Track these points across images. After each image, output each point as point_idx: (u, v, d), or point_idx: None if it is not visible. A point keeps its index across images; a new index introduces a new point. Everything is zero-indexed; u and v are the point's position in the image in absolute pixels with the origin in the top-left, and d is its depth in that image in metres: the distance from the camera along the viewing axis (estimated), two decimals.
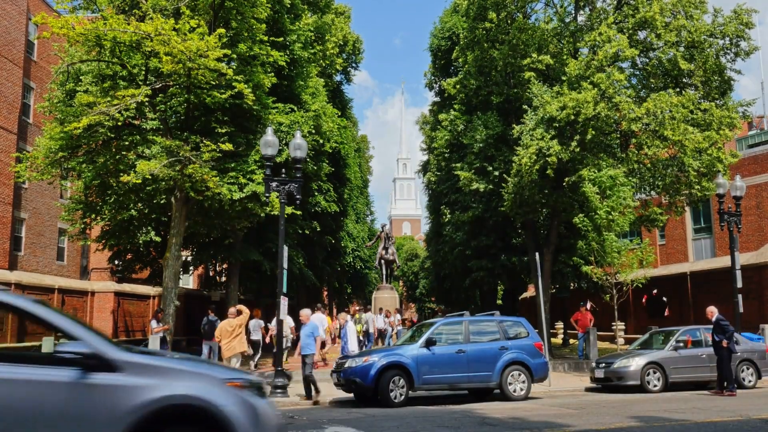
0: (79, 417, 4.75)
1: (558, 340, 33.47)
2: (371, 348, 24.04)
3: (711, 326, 15.57)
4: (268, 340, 21.47)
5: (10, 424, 4.59)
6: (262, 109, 19.76)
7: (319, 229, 30.49)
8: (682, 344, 16.79)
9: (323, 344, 19.25)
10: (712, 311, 15.55)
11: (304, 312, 14.93)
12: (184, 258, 24.31)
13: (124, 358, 5.07)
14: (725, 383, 14.70)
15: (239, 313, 15.66)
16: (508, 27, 25.53)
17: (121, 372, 4.96)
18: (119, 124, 17.40)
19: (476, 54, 27.11)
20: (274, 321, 18.78)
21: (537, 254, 19.77)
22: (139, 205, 19.98)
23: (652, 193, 25.89)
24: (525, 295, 40.84)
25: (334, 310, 45.21)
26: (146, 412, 4.84)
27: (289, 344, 17.74)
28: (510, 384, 14.64)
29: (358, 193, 49.93)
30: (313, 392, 14.21)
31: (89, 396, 4.81)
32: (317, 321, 19.62)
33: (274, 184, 15.21)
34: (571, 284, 29.75)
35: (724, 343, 14.71)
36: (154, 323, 18.91)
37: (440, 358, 14.31)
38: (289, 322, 17.33)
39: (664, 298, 30.70)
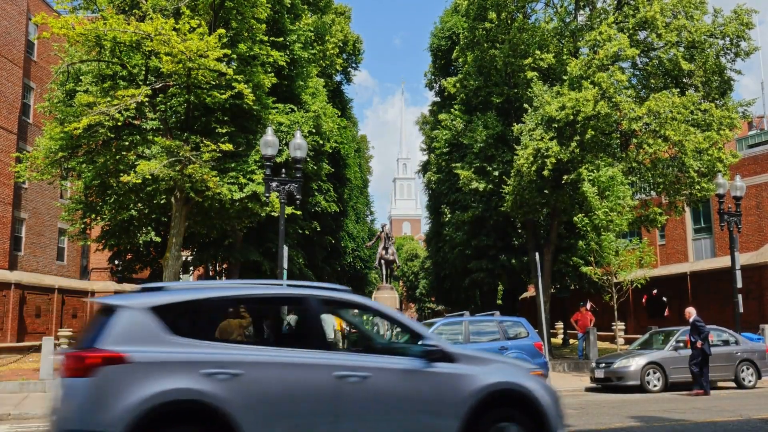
0: (436, 398, 5.63)
1: (558, 340, 33.46)
2: None
3: (711, 326, 15.59)
4: None
5: (394, 403, 5.52)
6: (262, 109, 19.75)
7: (319, 229, 30.48)
8: (682, 344, 16.75)
9: None
10: (690, 312, 15.53)
11: None
12: (184, 258, 24.30)
13: (456, 350, 5.96)
14: (696, 382, 14.76)
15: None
16: (509, 27, 25.56)
17: (457, 362, 5.81)
18: (119, 124, 17.39)
19: (476, 54, 27.12)
20: None
21: (537, 254, 19.79)
22: (139, 205, 19.98)
23: (652, 193, 25.89)
24: (525, 295, 40.84)
25: None
26: (482, 395, 5.70)
27: None
28: None
29: (358, 193, 49.90)
30: None
31: (441, 381, 5.69)
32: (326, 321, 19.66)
33: (274, 184, 15.21)
34: (572, 284, 29.74)
35: (699, 344, 14.72)
36: None
37: None
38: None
39: (664, 298, 30.71)
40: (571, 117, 20.18)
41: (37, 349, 16.97)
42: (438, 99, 38.96)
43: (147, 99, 16.84)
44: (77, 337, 5.91)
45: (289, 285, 6.17)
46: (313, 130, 23.04)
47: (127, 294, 5.70)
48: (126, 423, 4.72)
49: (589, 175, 22.35)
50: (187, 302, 5.50)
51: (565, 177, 21.57)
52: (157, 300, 5.32)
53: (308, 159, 23.08)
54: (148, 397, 4.80)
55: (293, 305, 5.87)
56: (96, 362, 4.88)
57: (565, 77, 22.14)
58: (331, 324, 19.77)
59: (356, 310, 6.40)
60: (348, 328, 20.70)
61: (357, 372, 5.42)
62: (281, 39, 23.35)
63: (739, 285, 19.84)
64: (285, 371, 5.27)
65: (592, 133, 20.41)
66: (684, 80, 24.06)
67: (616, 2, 25.02)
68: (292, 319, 15.71)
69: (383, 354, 6.04)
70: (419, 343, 5.82)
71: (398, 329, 6.25)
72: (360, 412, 5.39)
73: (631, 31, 23.38)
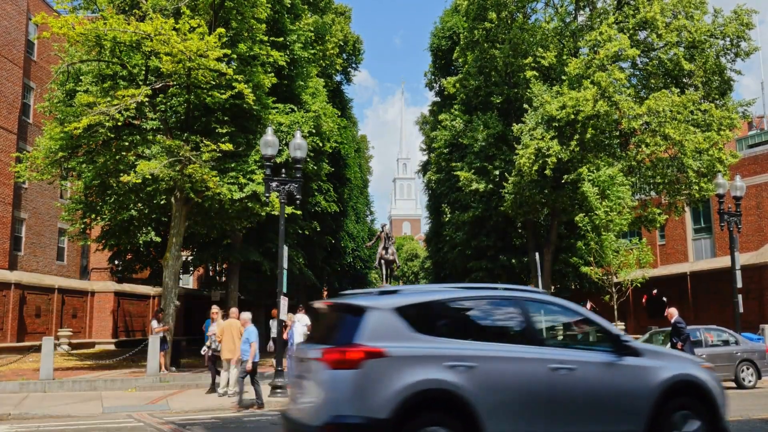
0: (630, 387, 6.32)
1: None
2: None
3: (711, 326, 15.56)
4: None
5: (596, 391, 6.20)
6: (262, 109, 19.74)
7: (319, 229, 30.47)
8: None
9: None
10: (672, 313, 15.44)
11: (244, 315, 13.46)
12: (184, 258, 24.29)
13: (641, 346, 6.68)
14: None
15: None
16: (509, 27, 25.57)
17: (643, 356, 6.53)
18: (119, 124, 17.38)
19: (476, 54, 27.13)
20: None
21: (537, 254, 19.79)
22: (139, 205, 19.97)
23: (652, 193, 25.88)
24: None
25: None
26: (666, 385, 6.39)
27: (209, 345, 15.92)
28: None
29: (358, 193, 49.91)
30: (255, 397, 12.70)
31: (633, 373, 6.39)
32: (302, 321, 19.26)
33: (274, 184, 15.19)
34: (572, 284, 29.74)
35: (679, 345, 14.73)
36: (155, 323, 18.86)
37: None
38: (305, 320, 16.51)
39: (664, 298, 30.72)
40: (572, 116, 20.20)
41: (37, 349, 16.94)
42: (438, 99, 38.96)
43: (147, 99, 16.84)
44: (319, 334, 6.63)
45: (501, 288, 6.89)
46: (313, 131, 23.03)
47: (368, 296, 6.38)
48: (391, 408, 5.42)
49: (589, 175, 22.36)
50: (424, 303, 6.20)
51: (566, 177, 21.58)
52: (399, 301, 6.03)
53: (308, 159, 23.07)
54: (407, 386, 5.51)
55: (509, 305, 6.53)
56: (360, 356, 5.58)
57: (564, 77, 22.15)
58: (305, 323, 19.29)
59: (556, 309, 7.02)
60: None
61: (566, 365, 6.16)
62: (281, 39, 23.34)
63: (739, 285, 19.82)
64: (510, 364, 6.00)
65: (593, 132, 20.42)
66: (684, 80, 24.07)
67: (616, 2, 25.02)
68: (303, 319, 15.17)
69: (575, 349, 6.71)
70: (626, 338, 6.56)
71: (590, 327, 6.93)
72: (570, 400, 6.09)
73: (631, 32, 23.38)
